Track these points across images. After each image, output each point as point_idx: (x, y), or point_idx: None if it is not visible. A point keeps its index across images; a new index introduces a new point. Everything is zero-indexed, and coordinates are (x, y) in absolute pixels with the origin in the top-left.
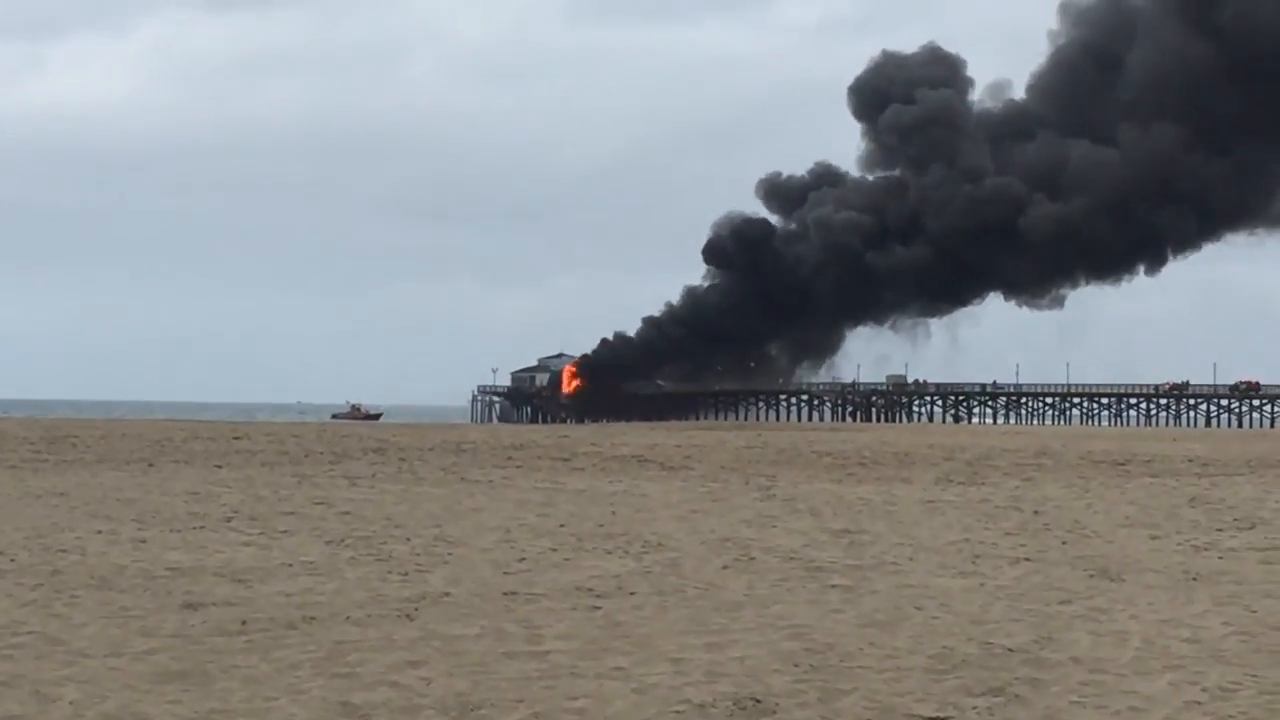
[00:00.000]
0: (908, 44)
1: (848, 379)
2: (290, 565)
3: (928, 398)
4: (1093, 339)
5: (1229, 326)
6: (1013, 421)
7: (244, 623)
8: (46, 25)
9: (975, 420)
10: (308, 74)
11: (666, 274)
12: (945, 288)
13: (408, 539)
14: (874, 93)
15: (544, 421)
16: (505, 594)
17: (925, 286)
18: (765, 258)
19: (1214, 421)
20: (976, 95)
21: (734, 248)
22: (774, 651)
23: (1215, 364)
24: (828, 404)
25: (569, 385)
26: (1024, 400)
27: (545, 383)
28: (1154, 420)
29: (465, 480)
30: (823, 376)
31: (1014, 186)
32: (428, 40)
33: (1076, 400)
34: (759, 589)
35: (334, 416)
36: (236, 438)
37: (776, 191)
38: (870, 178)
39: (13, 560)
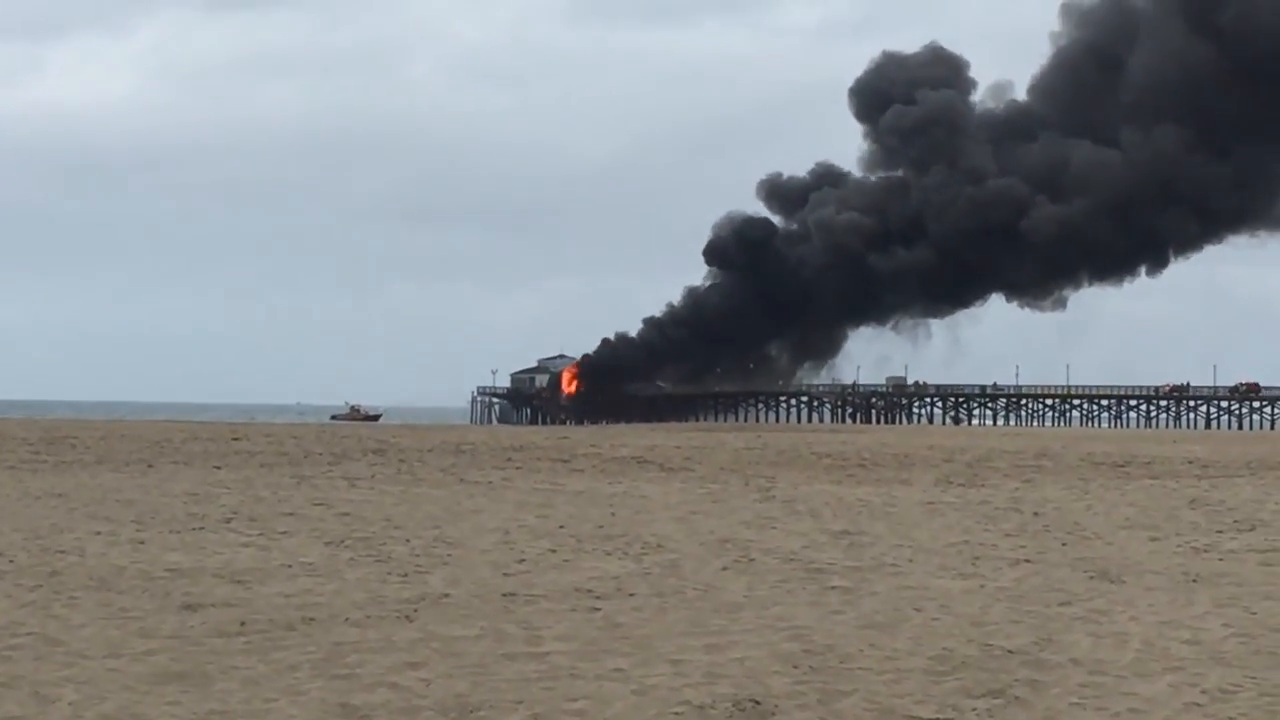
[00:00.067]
0: (907, 46)
1: (848, 380)
2: (289, 566)
3: (927, 399)
4: (1093, 340)
5: (1229, 328)
6: (1012, 423)
7: (243, 624)
8: (46, 26)
9: (975, 422)
10: (307, 75)
11: (667, 275)
12: (947, 289)
13: (407, 540)
14: (875, 93)
15: (544, 423)
16: (504, 595)
17: (927, 288)
18: (766, 258)
19: (1214, 423)
20: (978, 96)
21: (735, 248)
22: (773, 653)
23: (1215, 366)
24: (827, 405)
25: (569, 386)
26: (1024, 402)
27: (545, 384)
28: (1154, 422)
29: (465, 481)
30: (823, 378)
31: (1016, 188)
32: (427, 41)
33: (1076, 402)
34: (758, 590)
35: (333, 418)
36: (236, 439)
37: (777, 192)
38: (872, 179)
39: (12, 561)
